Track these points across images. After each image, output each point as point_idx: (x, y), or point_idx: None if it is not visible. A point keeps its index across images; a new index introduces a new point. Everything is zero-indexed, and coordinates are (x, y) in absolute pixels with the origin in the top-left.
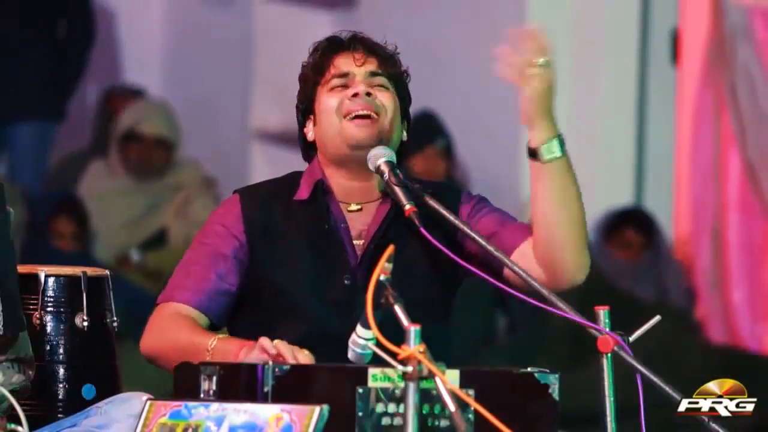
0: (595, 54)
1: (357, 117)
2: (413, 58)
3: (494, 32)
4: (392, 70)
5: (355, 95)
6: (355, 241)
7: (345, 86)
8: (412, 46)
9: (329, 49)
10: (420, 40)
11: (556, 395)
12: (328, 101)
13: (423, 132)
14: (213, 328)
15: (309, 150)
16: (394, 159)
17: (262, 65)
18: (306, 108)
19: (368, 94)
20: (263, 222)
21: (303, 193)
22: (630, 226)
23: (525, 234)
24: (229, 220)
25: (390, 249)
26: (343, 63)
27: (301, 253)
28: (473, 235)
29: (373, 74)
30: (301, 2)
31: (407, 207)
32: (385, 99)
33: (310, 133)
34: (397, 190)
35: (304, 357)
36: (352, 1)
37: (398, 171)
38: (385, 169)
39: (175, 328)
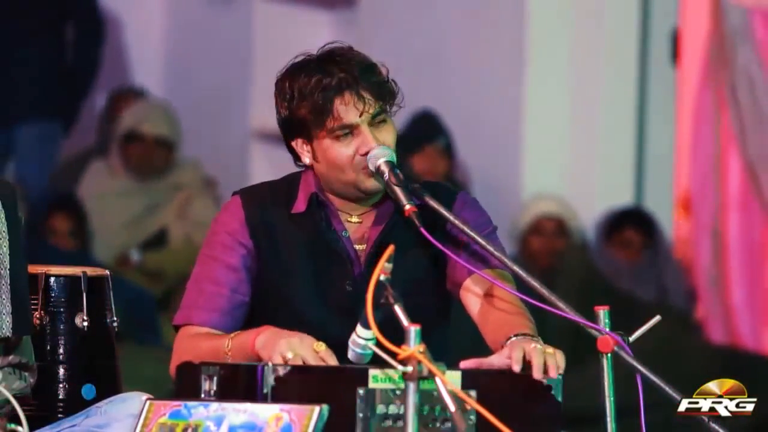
0: (595, 54)
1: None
2: (413, 57)
3: (494, 32)
4: (388, 99)
5: (369, 152)
6: (357, 246)
7: (351, 133)
8: (412, 45)
9: (327, 93)
10: (420, 40)
11: (558, 396)
12: (339, 151)
13: (423, 132)
14: None
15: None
16: (394, 159)
17: (262, 65)
18: (298, 131)
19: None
20: (266, 227)
21: (300, 205)
22: (630, 226)
23: (476, 267)
24: (233, 226)
25: (390, 249)
26: (344, 112)
27: (303, 262)
28: (473, 234)
29: (374, 116)
30: (300, 2)
31: (407, 207)
32: (388, 137)
33: (306, 158)
34: (397, 190)
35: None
36: (352, 1)
37: (398, 171)
38: (385, 169)
39: (195, 345)
